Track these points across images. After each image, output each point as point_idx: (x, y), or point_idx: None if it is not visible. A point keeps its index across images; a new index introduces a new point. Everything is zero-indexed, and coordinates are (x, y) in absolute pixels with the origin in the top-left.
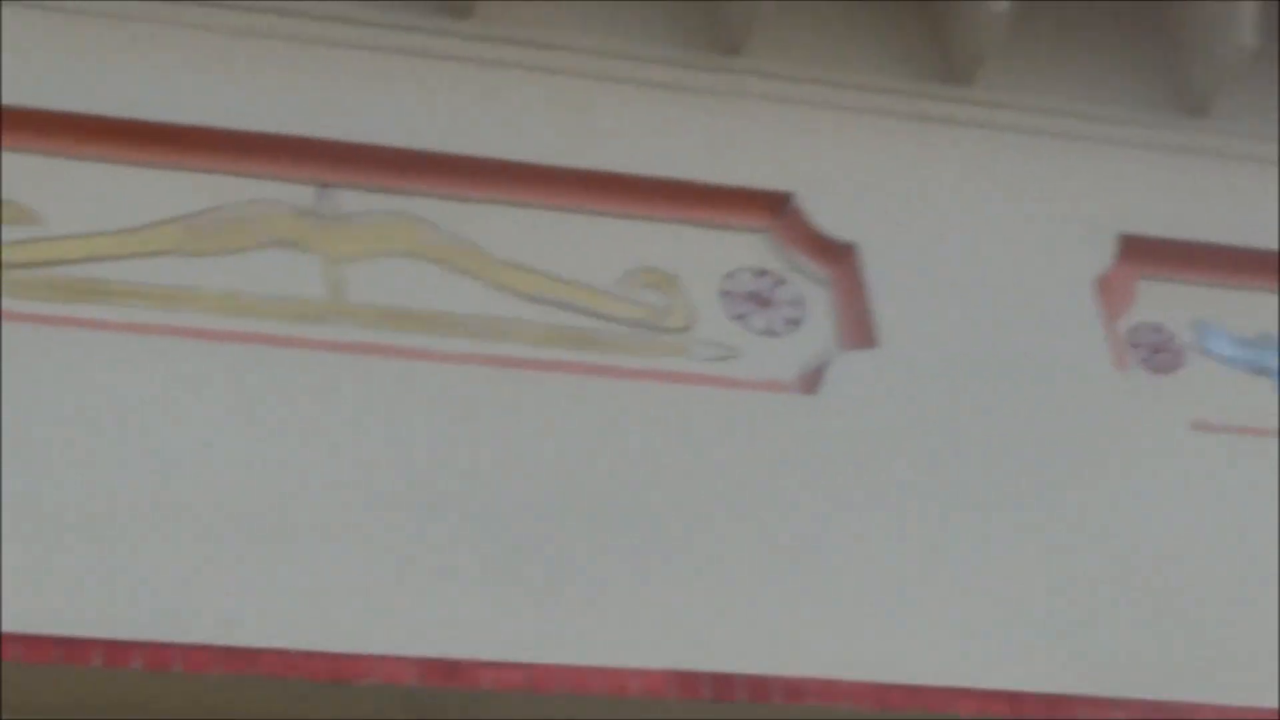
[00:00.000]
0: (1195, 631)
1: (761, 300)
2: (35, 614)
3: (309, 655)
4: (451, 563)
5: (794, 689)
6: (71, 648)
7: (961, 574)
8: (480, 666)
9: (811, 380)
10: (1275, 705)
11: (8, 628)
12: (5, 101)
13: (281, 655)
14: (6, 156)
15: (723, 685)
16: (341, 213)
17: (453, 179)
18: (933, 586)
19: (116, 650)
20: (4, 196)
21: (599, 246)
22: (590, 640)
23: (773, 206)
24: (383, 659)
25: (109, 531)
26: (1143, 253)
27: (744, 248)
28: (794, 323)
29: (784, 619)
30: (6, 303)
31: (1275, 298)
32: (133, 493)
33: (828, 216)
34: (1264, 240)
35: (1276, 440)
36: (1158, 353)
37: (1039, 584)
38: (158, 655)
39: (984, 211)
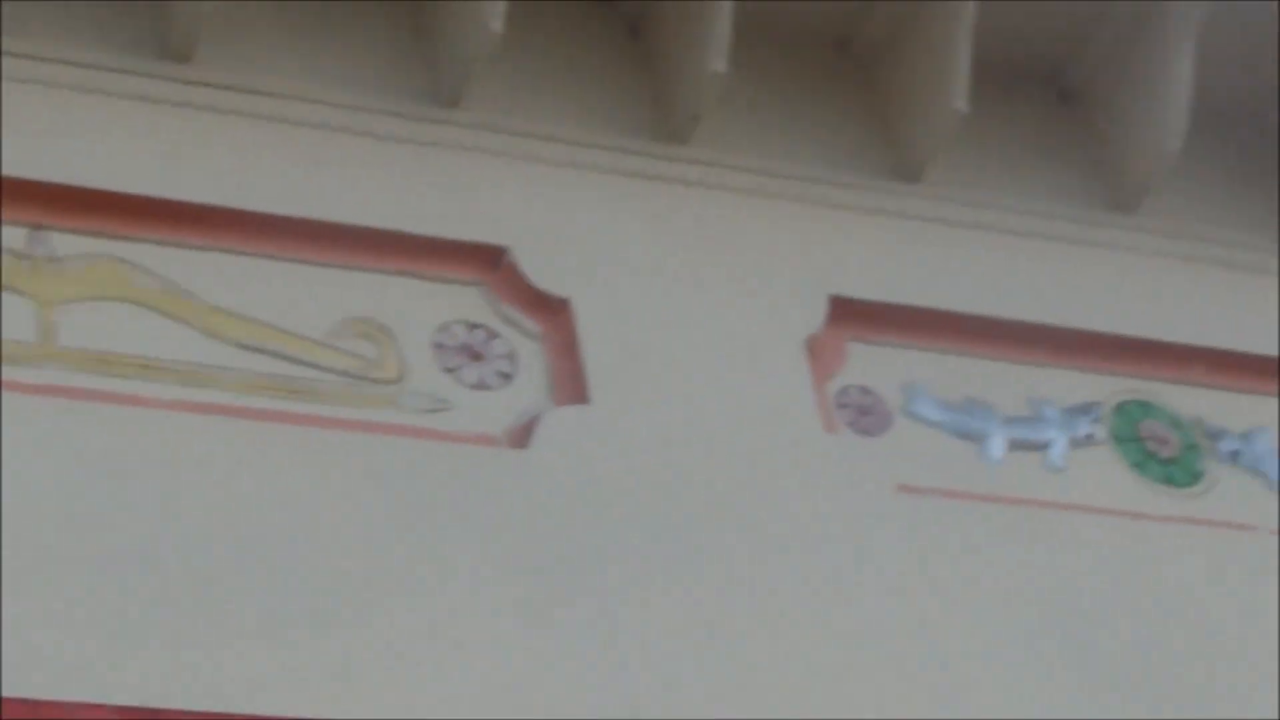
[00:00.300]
0: (920, 690)
1: (474, 354)
2: None
3: (19, 703)
4: (157, 615)
5: None
6: None
7: (668, 626)
8: (183, 716)
9: (522, 435)
10: None
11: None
12: None
13: None
14: None
15: None
16: (54, 255)
17: (166, 224)
18: (633, 638)
19: None
20: None
21: (311, 296)
22: (296, 695)
23: (487, 260)
24: (82, 708)
25: None
26: (852, 315)
27: (458, 301)
28: (506, 377)
29: (493, 673)
30: None
31: (983, 362)
32: None
33: (542, 271)
34: (972, 305)
35: (981, 503)
36: (865, 415)
37: (752, 633)
38: None
39: (698, 270)
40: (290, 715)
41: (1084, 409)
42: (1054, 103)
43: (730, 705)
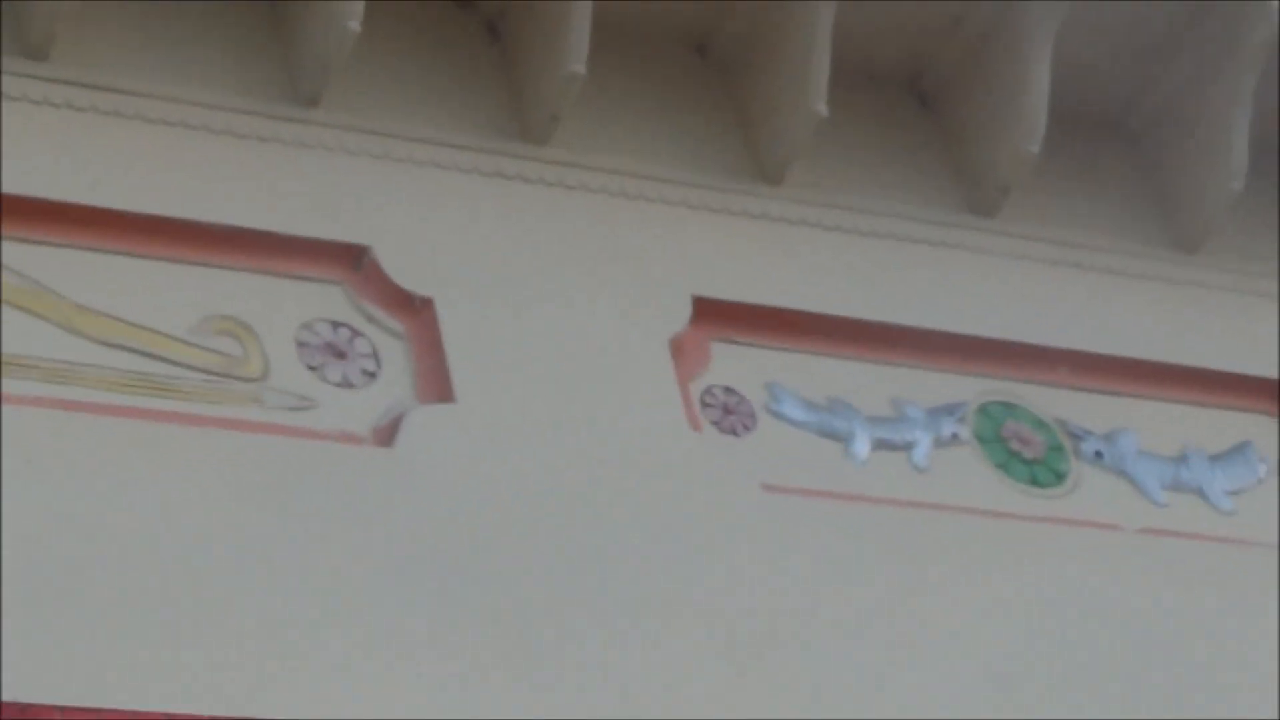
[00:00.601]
0: (783, 693)
1: (337, 352)
2: None
3: None
4: (16, 604)
5: None
6: None
7: (531, 627)
8: (50, 709)
9: (387, 433)
10: None
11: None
12: None
13: None
14: None
15: None
16: None
17: (26, 222)
18: (503, 643)
19: None
20: None
21: (174, 293)
22: (161, 690)
23: (349, 259)
24: None
25: None
26: (716, 315)
27: (321, 299)
28: (370, 375)
29: (354, 674)
30: None
31: (846, 362)
32: None
33: (404, 270)
34: (835, 306)
35: (847, 503)
36: (730, 414)
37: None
38: None
39: (561, 269)
40: (148, 710)
41: (947, 409)
42: (913, 106)
43: (587, 700)
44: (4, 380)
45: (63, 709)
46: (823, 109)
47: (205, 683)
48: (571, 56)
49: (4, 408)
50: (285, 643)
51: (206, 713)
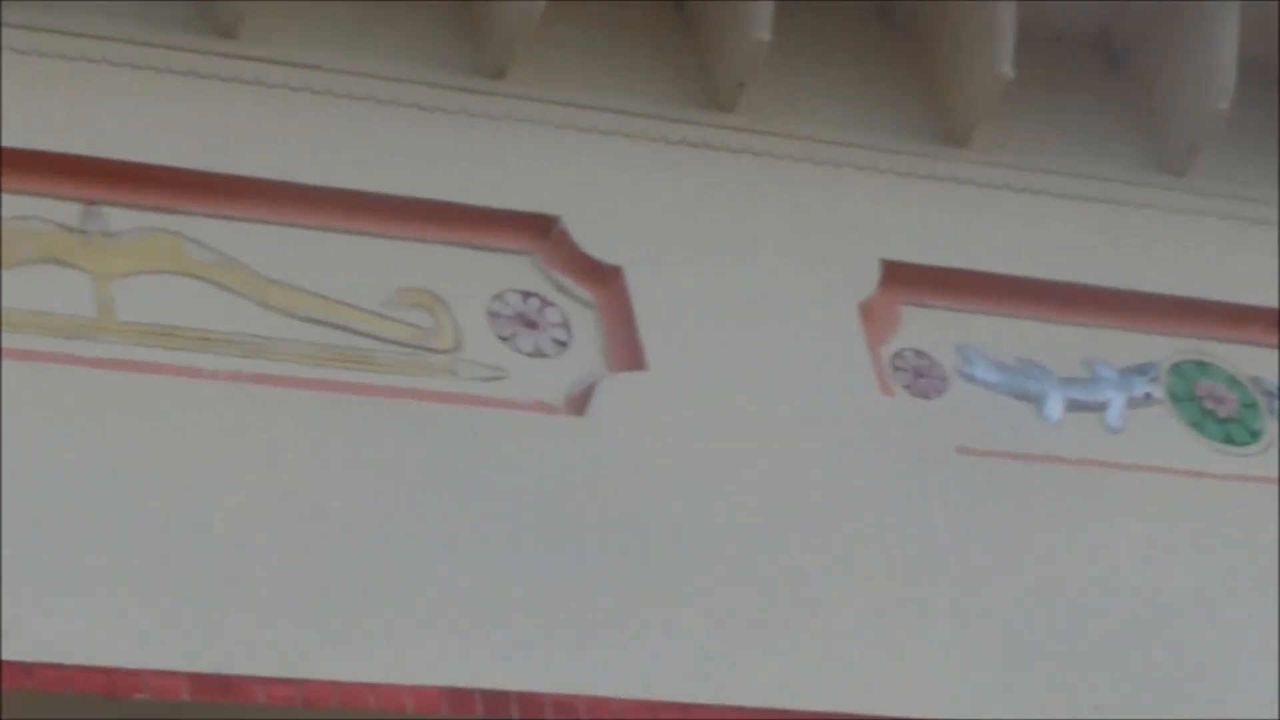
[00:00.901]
0: (977, 652)
1: (529, 322)
2: None
3: (84, 670)
4: (223, 578)
5: (565, 705)
6: None
7: (729, 594)
8: (253, 682)
9: (579, 402)
10: None
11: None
12: None
13: (58, 670)
14: None
15: (496, 702)
16: (109, 230)
17: (220, 198)
18: (692, 606)
19: None
20: None
21: (366, 267)
22: (363, 657)
23: (538, 229)
24: (156, 674)
25: None
26: (905, 279)
27: (511, 270)
28: (561, 344)
29: (554, 637)
30: None
31: (1037, 324)
32: None
33: (593, 240)
34: (1024, 268)
35: (1041, 464)
36: (921, 377)
37: (793, 603)
38: None
39: (749, 236)
40: (354, 680)
41: (1140, 369)
42: (1100, 66)
43: (788, 664)
44: (202, 355)
45: (290, 680)
46: (1009, 71)
47: (404, 650)
48: (757, 23)
49: (203, 382)
50: (492, 610)
51: (408, 680)
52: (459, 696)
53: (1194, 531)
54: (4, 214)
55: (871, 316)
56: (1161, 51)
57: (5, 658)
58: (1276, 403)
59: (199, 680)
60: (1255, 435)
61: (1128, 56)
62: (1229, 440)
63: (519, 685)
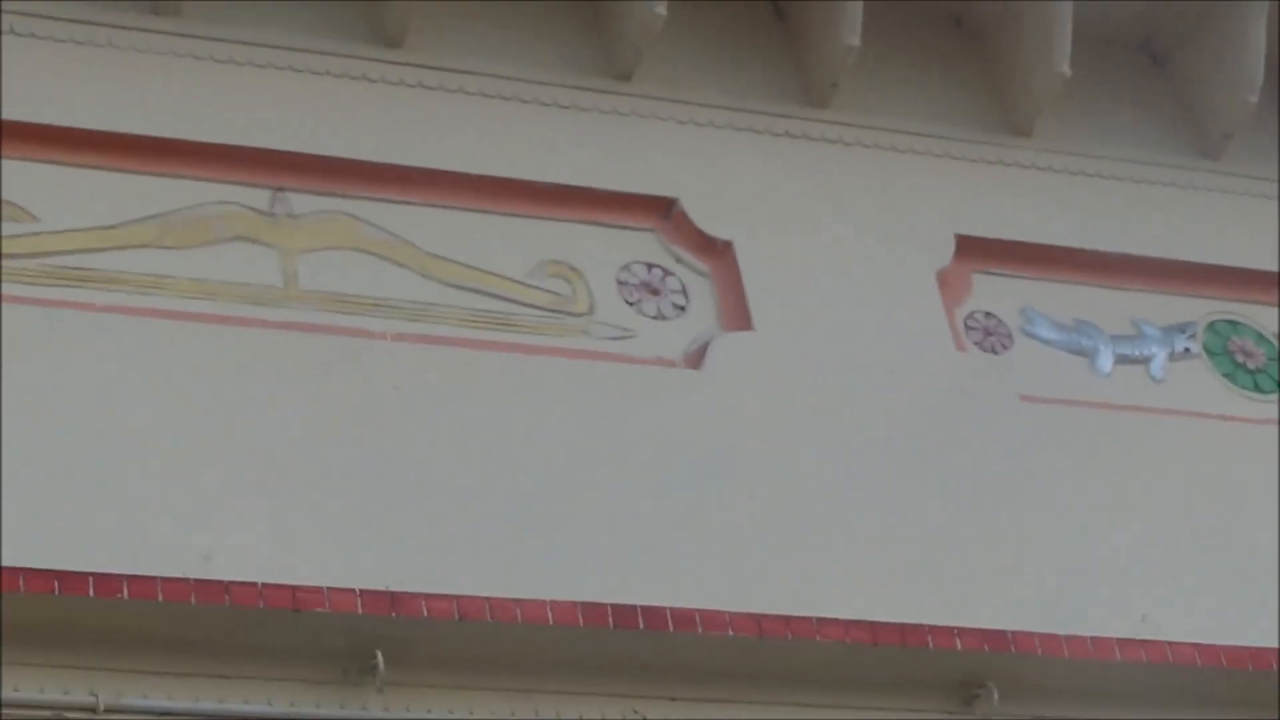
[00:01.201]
0: (1030, 566)
1: (652, 289)
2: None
3: (271, 587)
4: (390, 509)
5: (684, 617)
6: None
7: (825, 522)
8: (417, 597)
9: (696, 358)
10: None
11: (8, 562)
12: (7, 116)
13: (246, 587)
14: (7, 164)
15: (624, 615)
16: (294, 212)
17: (388, 184)
18: (800, 532)
19: (107, 582)
20: (4, 198)
21: (513, 242)
22: (511, 577)
23: (660, 209)
24: (335, 591)
25: (102, 480)
26: (977, 251)
27: (637, 245)
28: (680, 309)
29: (674, 560)
30: (6, 288)
31: (1090, 289)
32: (117, 449)
33: (708, 218)
34: (1080, 240)
35: (1094, 410)
36: (990, 336)
37: (896, 527)
38: (141, 587)
39: (841, 215)
40: (503, 596)
41: (1180, 328)
42: (1145, 65)
43: (877, 582)
44: (372, 319)
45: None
46: (1067, 70)
47: (551, 573)
48: (847, 30)
49: (372, 342)
50: (623, 536)
51: (550, 596)
52: (593, 610)
53: (1226, 466)
54: (203, 200)
55: (947, 284)
56: (1199, 52)
57: (207, 577)
58: None
59: (370, 596)
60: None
61: (1170, 57)
62: (1257, 389)
63: (644, 600)
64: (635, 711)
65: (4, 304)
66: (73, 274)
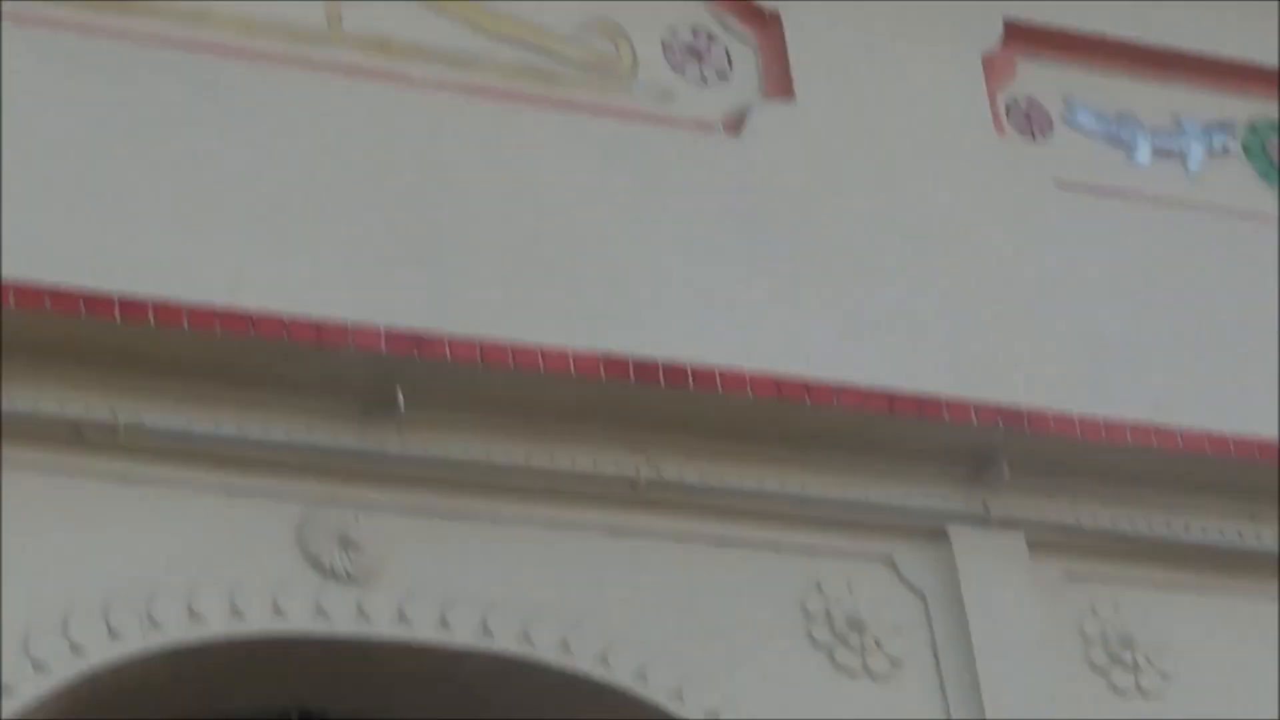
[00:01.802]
0: (1050, 347)
1: (696, 54)
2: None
3: (296, 321)
4: (421, 252)
5: (704, 376)
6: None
7: (849, 294)
8: (441, 340)
9: (735, 123)
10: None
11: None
12: None
13: (271, 320)
14: None
15: (645, 369)
16: None
17: None
18: (825, 301)
19: (133, 307)
20: None
21: None
22: (535, 325)
23: None
24: (358, 328)
25: (134, 205)
26: (1023, 37)
27: (685, 9)
28: (723, 76)
29: (696, 318)
30: (51, 10)
31: (1133, 82)
32: (151, 176)
33: None
34: (1127, 32)
35: (1128, 200)
36: (1031, 121)
37: (920, 300)
38: (168, 313)
39: None
40: (527, 343)
41: (1220, 125)
42: None
43: (902, 351)
44: (413, 65)
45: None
46: None
47: (575, 323)
48: None
49: (411, 89)
50: (650, 291)
51: (571, 343)
52: (614, 363)
53: (1256, 263)
54: None
55: (991, 67)
56: None
57: (233, 306)
58: None
59: (394, 335)
60: None
61: None
62: None
63: (666, 356)
64: (650, 465)
65: (48, 28)
66: (114, 3)
